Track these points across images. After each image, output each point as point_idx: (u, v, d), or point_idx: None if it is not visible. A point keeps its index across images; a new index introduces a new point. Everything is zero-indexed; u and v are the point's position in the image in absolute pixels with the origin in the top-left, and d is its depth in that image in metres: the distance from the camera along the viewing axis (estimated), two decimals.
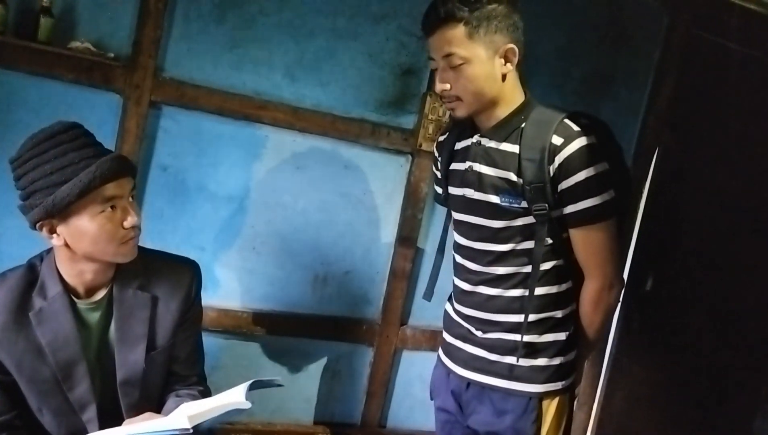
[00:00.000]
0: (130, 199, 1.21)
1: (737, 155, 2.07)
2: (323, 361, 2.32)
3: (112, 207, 1.16)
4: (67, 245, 1.18)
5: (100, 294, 1.25)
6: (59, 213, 1.14)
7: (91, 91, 1.89)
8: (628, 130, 2.46)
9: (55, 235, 1.17)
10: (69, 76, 1.85)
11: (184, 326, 1.32)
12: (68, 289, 1.22)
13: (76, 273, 1.21)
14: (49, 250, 1.25)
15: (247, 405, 1.06)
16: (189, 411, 1.06)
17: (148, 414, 1.17)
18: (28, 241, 1.87)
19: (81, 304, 1.24)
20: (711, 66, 2.24)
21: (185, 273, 1.33)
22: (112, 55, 1.89)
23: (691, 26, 2.33)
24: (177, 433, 1.04)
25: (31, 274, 1.23)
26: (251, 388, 1.08)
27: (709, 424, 2.02)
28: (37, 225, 1.17)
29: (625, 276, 2.34)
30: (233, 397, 1.08)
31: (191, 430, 1.03)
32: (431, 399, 1.59)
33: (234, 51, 2.01)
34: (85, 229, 1.15)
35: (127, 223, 1.17)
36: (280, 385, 1.15)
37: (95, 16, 1.87)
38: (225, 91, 2.01)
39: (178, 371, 1.34)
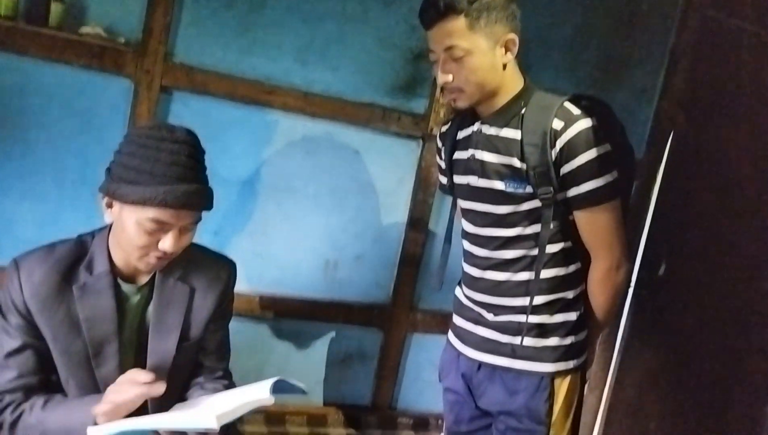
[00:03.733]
0: (189, 226, 1.22)
1: (752, 139, 2.04)
2: (335, 344, 2.34)
3: (159, 227, 1.18)
4: None
5: (144, 279, 1.28)
6: (119, 201, 1.18)
7: (102, 77, 1.90)
8: (642, 114, 2.44)
9: (108, 211, 1.21)
10: (80, 61, 1.86)
11: (215, 320, 1.35)
12: (114, 270, 1.25)
13: (123, 256, 1.25)
14: (102, 229, 1.28)
15: (271, 401, 1.08)
16: (217, 410, 1.06)
17: (177, 405, 1.21)
18: (44, 226, 1.91)
19: (124, 286, 1.27)
20: (726, 48, 2.20)
21: (224, 270, 1.37)
22: (123, 40, 1.89)
23: (706, 8, 2.29)
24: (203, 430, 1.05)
25: (80, 249, 1.25)
26: (277, 388, 1.09)
27: (722, 408, 2.01)
28: (101, 193, 1.21)
29: (638, 260, 2.33)
30: (258, 393, 1.09)
31: (218, 430, 1.04)
32: (440, 381, 1.61)
33: (244, 35, 2.01)
34: (126, 225, 1.18)
35: (161, 245, 1.19)
36: (304, 392, 1.16)
37: (105, 1, 1.87)
38: (235, 76, 2.01)
39: (205, 363, 1.37)
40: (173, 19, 1.92)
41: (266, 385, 1.09)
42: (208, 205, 1.25)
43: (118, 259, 1.25)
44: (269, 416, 2.27)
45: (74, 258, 1.24)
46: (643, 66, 2.43)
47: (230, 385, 1.37)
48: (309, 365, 2.32)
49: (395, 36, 2.16)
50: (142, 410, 1.18)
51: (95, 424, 1.12)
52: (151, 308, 1.28)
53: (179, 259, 1.28)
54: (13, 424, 1.17)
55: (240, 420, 2.17)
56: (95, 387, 1.24)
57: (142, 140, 1.17)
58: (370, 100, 2.17)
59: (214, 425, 1.03)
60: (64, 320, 1.21)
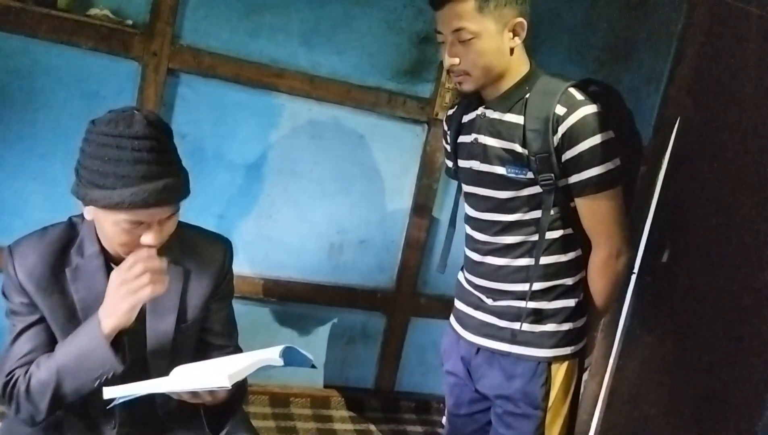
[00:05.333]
0: (167, 218, 1.19)
1: (759, 126, 2.02)
2: (338, 327, 2.36)
3: (136, 226, 1.15)
4: None
5: None
6: (91, 204, 1.16)
7: (110, 59, 1.91)
8: (649, 100, 2.42)
9: (86, 209, 1.20)
10: (88, 43, 1.87)
11: (217, 299, 1.35)
12: (105, 252, 1.25)
13: (107, 241, 1.24)
14: None
15: (280, 362, 1.07)
16: (229, 369, 1.07)
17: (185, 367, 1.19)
18: (53, 207, 1.93)
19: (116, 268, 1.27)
20: (735, 34, 2.17)
21: (218, 249, 1.35)
22: (131, 22, 1.90)
23: None
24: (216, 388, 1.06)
25: (71, 231, 1.25)
26: (286, 354, 1.08)
27: (723, 396, 2.02)
28: (75, 196, 1.19)
29: (642, 247, 2.33)
30: (267, 354, 1.10)
31: (230, 387, 1.05)
32: (442, 364, 1.62)
33: (250, 18, 2.01)
34: (103, 226, 1.17)
35: (143, 240, 1.16)
36: (312, 365, 1.14)
37: None
38: (241, 59, 2.02)
39: (214, 342, 1.37)
40: (180, 2, 1.93)
41: (276, 349, 1.09)
42: (183, 194, 1.20)
43: (107, 244, 1.24)
44: (273, 398, 2.31)
45: (66, 241, 1.23)
46: (652, 51, 2.41)
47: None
48: (313, 348, 2.32)
49: (402, 20, 2.15)
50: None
51: (103, 332, 1.12)
52: None
53: (171, 242, 1.27)
54: (27, 390, 1.17)
55: (245, 400, 2.20)
56: None
57: (101, 139, 1.12)
58: (376, 84, 2.17)
59: (227, 384, 1.04)
60: (59, 303, 1.21)
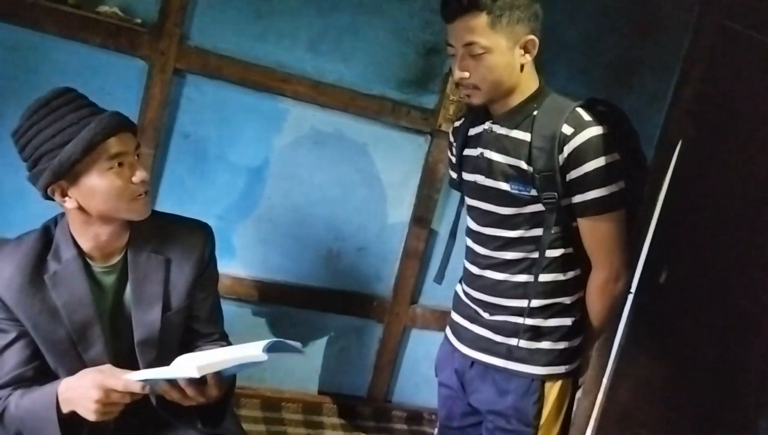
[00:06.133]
0: (136, 156, 1.23)
1: (760, 152, 2.04)
2: (333, 334, 2.36)
3: (120, 164, 1.18)
4: (80, 208, 1.20)
5: (115, 258, 1.27)
6: (67, 173, 1.16)
7: (117, 57, 1.92)
8: (651, 121, 2.43)
9: (67, 198, 1.19)
10: (96, 40, 1.87)
11: (201, 287, 1.35)
12: (82, 253, 1.24)
13: (91, 236, 1.23)
14: (63, 214, 1.26)
15: (264, 357, 1.05)
16: (199, 361, 1.08)
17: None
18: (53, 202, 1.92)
19: (96, 267, 1.26)
20: (740, 59, 2.19)
21: (198, 236, 1.35)
22: (139, 21, 1.91)
23: (722, 16, 2.27)
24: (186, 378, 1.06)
25: (45, 237, 1.25)
26: (272, 347, 1.07)
27: (715, 419, 2.01)
28: (48, 190, 1.18)
29: (640, 267, 2.33)
30: (250, 350, 1.08)
31: (198, 377, 1.05)
32: (436, 376, 1.62)
33: (258, 22, 2.02)
34: (95, 187, 1.17)
35: (135, 178, 1.19)
36: (300, 352, 1.13)
37: None
38: (248, 62, 2.02)
39: (200, 330, 1.37)
40: (189, 2, 1.94)
41: (259, 344, 1.07)
42: (134, 125, 1.25)
43: (85, 242, 1.24)
44: (265, 401, 2.30)
45: (41, 248, 1.23)
46: (656, 72, 2.42)
47: (228, 345, 1.36)
48: (307, 353, 2.33)
49: (409, 30, 2.16)
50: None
51: (58, 406, 1.13)
52: (128, 285, 1.27)
53: (149, 232, 1.27)
54: (1, 417, 1.18)
55: (236, 403, 2.18)
56: None
57: (36, 117, 1.17)
58: (380, 92, 2.18)
59: (195, 374, 1.04)
60: (42, 311, 1.20)
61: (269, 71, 2.05)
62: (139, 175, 1.19)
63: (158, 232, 1.30)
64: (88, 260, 1.25)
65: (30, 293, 1.20)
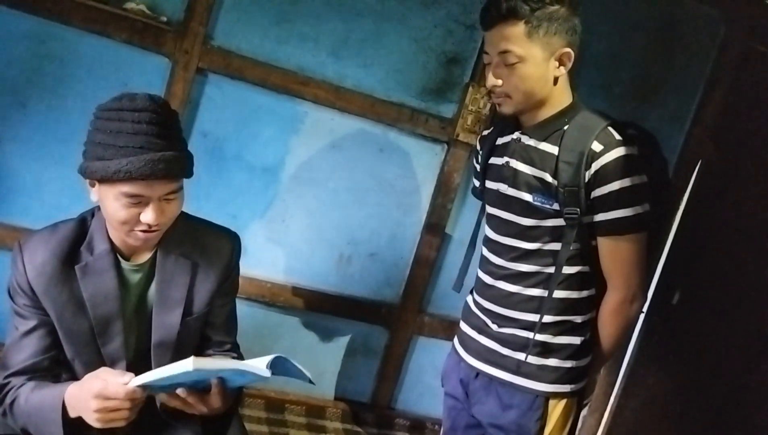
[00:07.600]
0: (170, 197, 1.19)
1: None
2: (340, 338, 2.36)
3: (134, 202, 1.16)
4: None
5: (144, 257, 1.28)
6: (91, 178, 1.17)
7: (141, 53, 1.94)
8: (672, 140, 2.41)
9: (92, 190, 1.20)
10: (122, 35, 1.90)
11: (222, 294, 1.35)
12: (114, 248, 1.25)
13: (115, 234, 1.24)
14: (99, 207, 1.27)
15: (267, 374, 1.06)
16: (198, 363, 1.07)
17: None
18: (72, 194, 1.95)
19: (125, 264, 1.27)
20: (764, 81, 2.17)
21: (226, 243, 1.35)
22: (165, 19, 1.93)
23: (748, 38, 2.25)
24: (181, 372, 1.06)
25: (81, 228, 1.25)
26: (280, 369, 1.07)
27: None
28: (80, 172, 1.20)
29: (653, 287, 2.31)
30: (253, 363, 1.09)
31: (192, 370, 1.04)
32: (442, 386, 1.61)
33: (282, 25, 2.03)
34: (105, 203, 1.18)
35: (143, 218, 1.16)
36: (310, 382, 1.14)
37: None
38: (270, 64, 2.04)
39: (212, 337, 1.37)
40: (215, 2, 1.96)
41: (265, 360, 1.07)
42: (182, 172, 1.19)
43: (116, 238, 1.24)
44: (269, 402, 2.30)
45: (76, 238, 1.23)
46: (678, 91, 2.40)
47: (238, 358, 1.37)
48: (313, 356, 2.34)
49: (431, 39, 2.17)
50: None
51: (64, 408, 1.13)
52: (153, 285, 1.28)
53: (180, 235, 1.27)
54: (11, 407, 1.19)
55: (240, 403, 2.19)
56: (101, 364, 1.24)
57: (106, 114, 1.15)
58: (399, 100, 2.18)
59: (189, 367, 1.03)
60: (68, 300, 1.21)
61: (290, 74, 2.06)
62: (146, 218, 1.16)
63: (188, 236, 1.30)
64: (119, 256, 1.26)
65: (60, 281, 1.21)
